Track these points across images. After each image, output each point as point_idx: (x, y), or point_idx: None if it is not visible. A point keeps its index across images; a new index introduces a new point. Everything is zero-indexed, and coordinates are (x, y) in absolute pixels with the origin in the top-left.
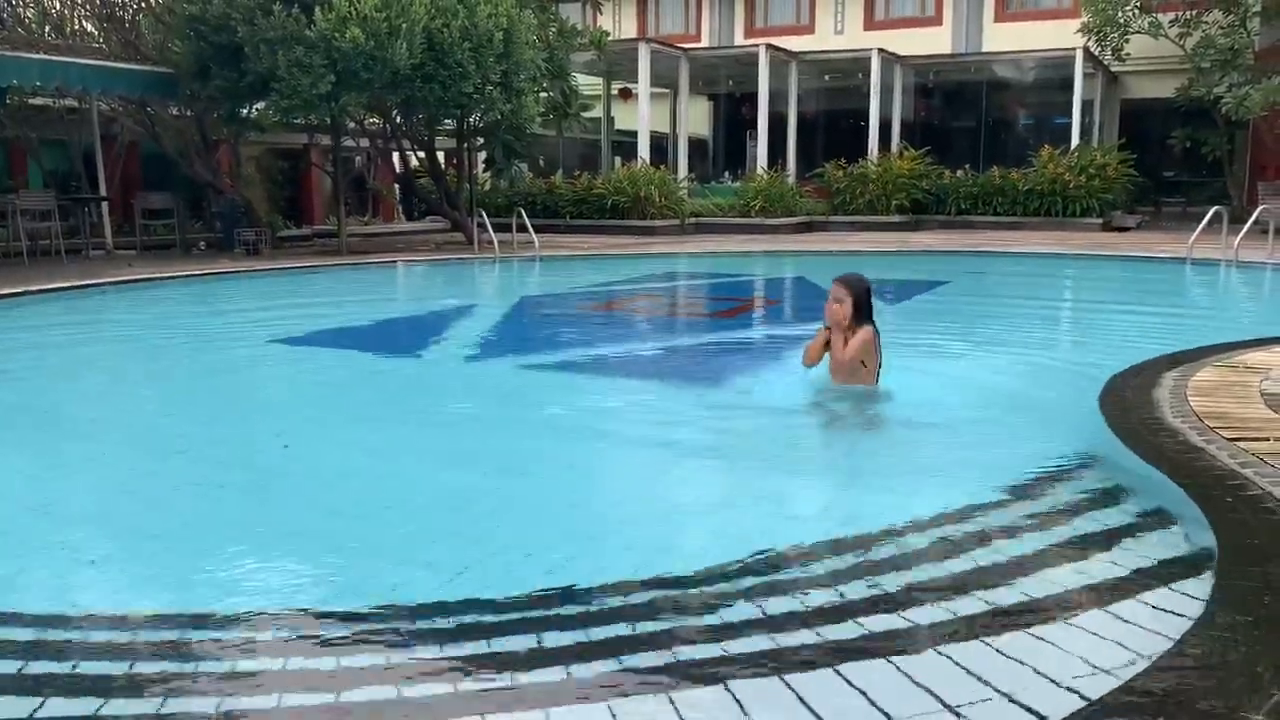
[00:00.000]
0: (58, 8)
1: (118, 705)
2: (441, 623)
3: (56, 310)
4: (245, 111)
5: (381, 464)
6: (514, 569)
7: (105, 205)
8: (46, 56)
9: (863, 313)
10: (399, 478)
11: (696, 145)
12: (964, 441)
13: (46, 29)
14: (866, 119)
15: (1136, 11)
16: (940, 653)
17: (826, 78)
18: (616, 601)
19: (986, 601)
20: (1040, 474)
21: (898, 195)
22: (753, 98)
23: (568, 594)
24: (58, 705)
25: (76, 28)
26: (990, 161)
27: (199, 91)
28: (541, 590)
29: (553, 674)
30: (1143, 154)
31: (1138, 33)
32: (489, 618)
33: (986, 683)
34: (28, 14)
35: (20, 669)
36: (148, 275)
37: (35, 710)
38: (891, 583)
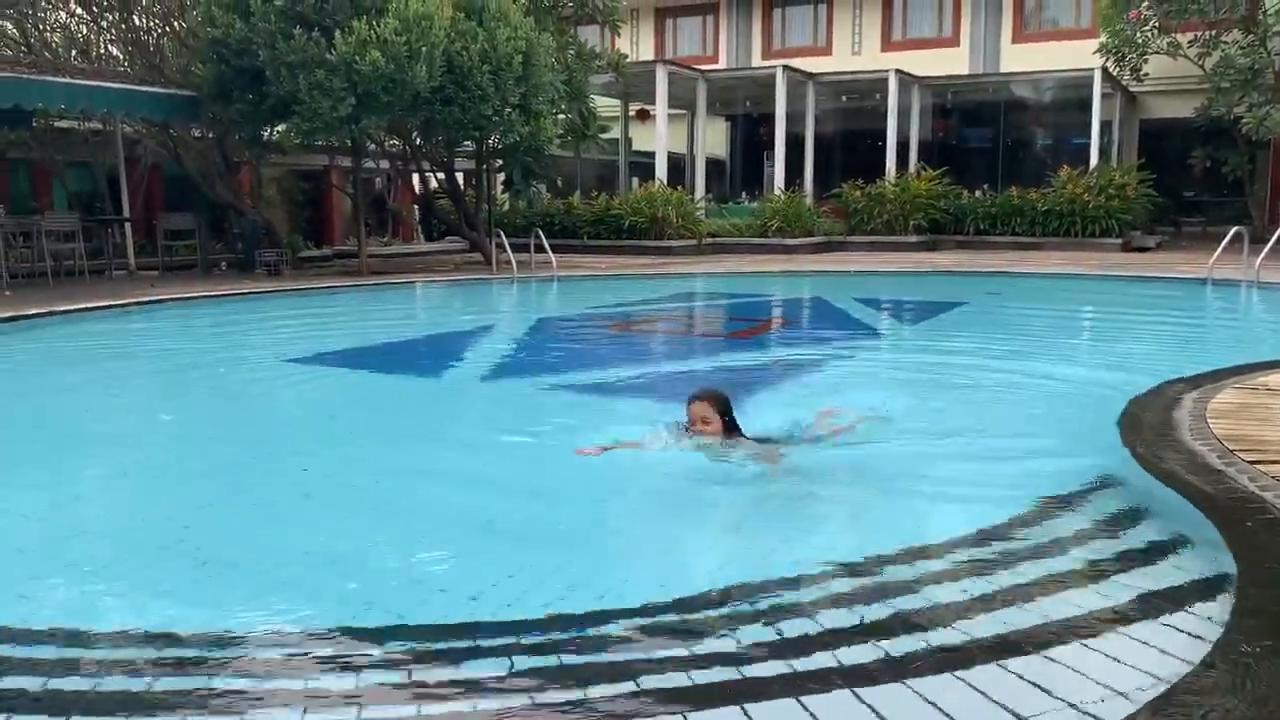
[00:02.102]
0: (84, 32)
1: None
2: (456, 643)
3: (80, 330)
4: (267, 134)
5: (399, 484)
6: (530, 591)
7: (128, 226)
8: (73, 80)
9: (731, 425)
10: (416, 498)
11: (714, 166)
12: (980, 463)
13: (73, 53)
14: (884, 139)
15: (1155, 32)
16: (956, 676)
17: (844, 98)
18: (633, 624)
19: (1003, 623)
20: (1058, 496)
21: (915, 215)
22: (770, 118)
23: (583, 617)
24: None
25: (102, 52)
26: (1008, 181)
27: (221, 114)
28: (557, 612)
29: (570, 694)
30: (1162, 174)
31: (1156, 53)
32: (504, 640)
33: (1002, 705)
34: (54, 38)
35: (44, 685)
36: (170, 296)
37: None
38: (907, 605)
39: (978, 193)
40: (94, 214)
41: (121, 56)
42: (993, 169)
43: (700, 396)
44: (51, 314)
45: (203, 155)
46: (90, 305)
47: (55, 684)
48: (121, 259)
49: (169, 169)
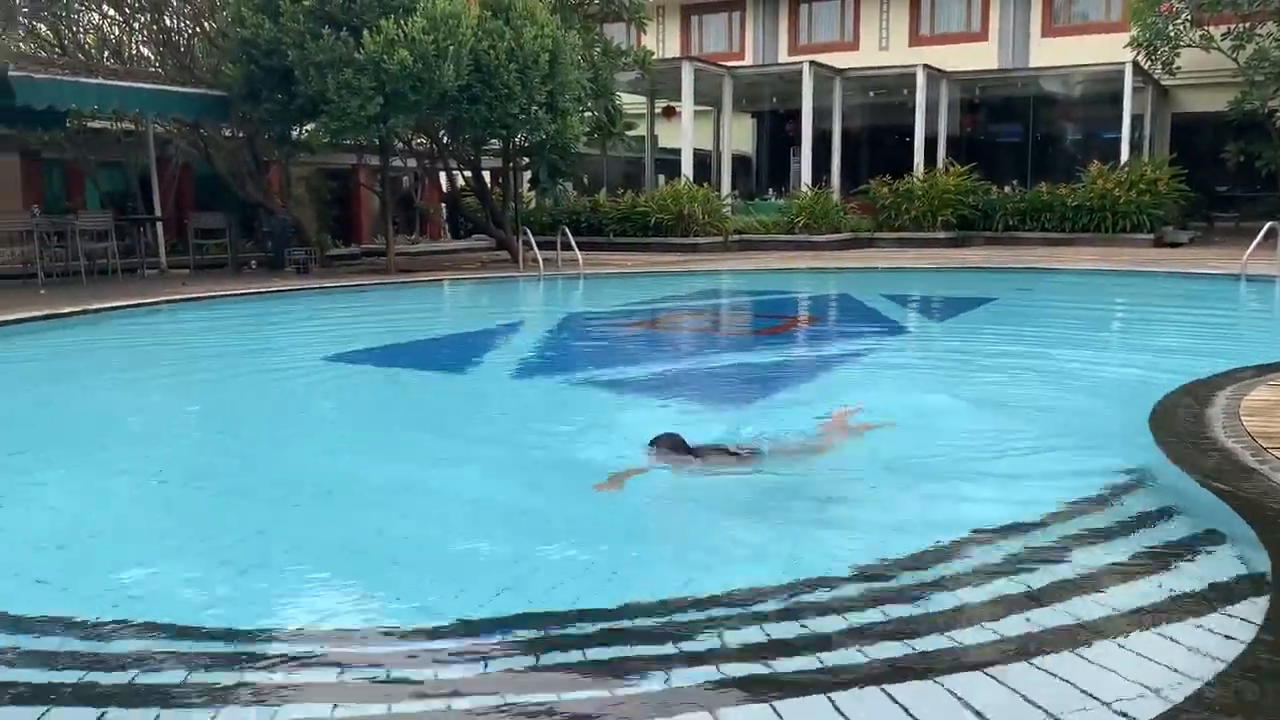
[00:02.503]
0: (116, 33)
1: (173, 715)
2: (488, 639)
3: (114, 328)
4: (296, 133)
5: (429, 480)
6: (561, 586)
7: (160, 225)
8: (105, 81)
9: (698, 450)
10: (446, 494)
11: (740, 162)
12: (1010, 460)
13: (105, 54)
14: (912, 135)
15: (1187, 25)
16: (988, 674)
17: (871, 94)
18: (663, 619)
19: (1033, 622)
20: (1089, 493)
21: (944, 211)
22: (797, 114)
23: (614, 612)
24: (117, 715)
25: (134, 52)
26: (1038, 177)
27: (251, 113)
28: (586, 607)
29: (601, 691)
30: (1195, 168)
31: (1189, 46)
32: (535, 633)
33: (1034, 703)
34: (87, 39)
35: (81, 678)
36: (202, 294)
37: (99, 718)
38: (938, 602)
39: (1007, 188)
40: (126, 213)
41: (153, 57)
42: (1022, 164)
43: (660, 444)
44: (85, 312)
45: (233, 154)
46: (123, 303)
47: (92, 677)
48: (153, 258)
49: (200, 168)
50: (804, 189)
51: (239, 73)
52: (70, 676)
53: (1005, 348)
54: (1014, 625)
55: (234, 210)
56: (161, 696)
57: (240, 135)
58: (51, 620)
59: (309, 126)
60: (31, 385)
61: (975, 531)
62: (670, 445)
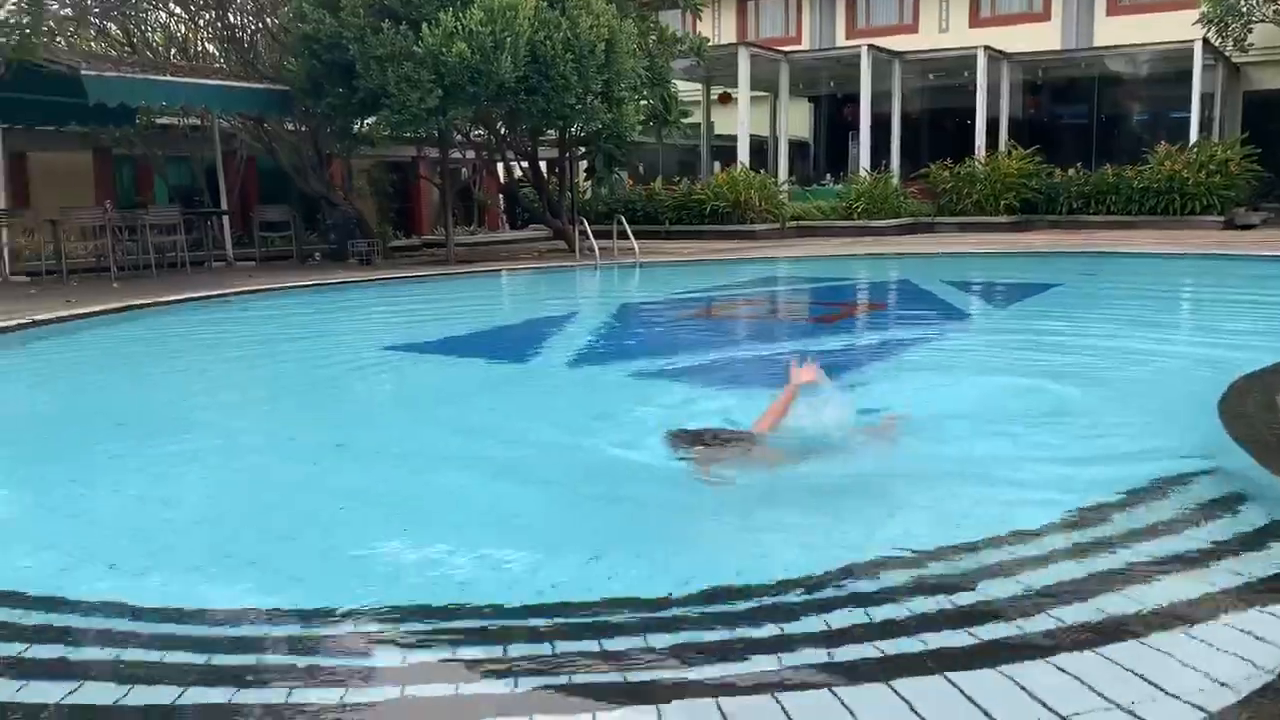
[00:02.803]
0: (183, 31)
1: (250, 695)
2: (543, 623)
3: (183, 319)
4: (357, 126)
5: (487, 467)
6: (620, 573)
7: (226, 219)
8: (173, 78)
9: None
10: (502, 482)
11: (797, 148)
12: (1076, 446)
13: (172, 51)
14: (973, 118)
15: (1260, 0)
16: (1052, 663)
17: (931, 76)
18: (721, 607)
19: (1099, 610)
20: (1157, 480)
21: (1006, 195)
22: (855, 99)
23: (673, 600)
24: (196, 694)
25: (200, 49)
26: (1103, 159)
27: (313, 108)
28: (647, 596)
29: (664, 674)
30: (1268, 148)
31: (1261, 21)
32: (597, 618)
33: (1100, 694)
34: (155, 38)
35: (161, 659)
36: (268, 285)
37: (177, 699)
38: (1000, 590)
39: (1071, 171)
40: (193, 207)
41: (218, 53)
42: (1086, 146)
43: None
44: (157, 304)
45: (296, 148)
46: (193, 295)
47: (172, 658)
48: (220, 250)
49: (263, 162)
50: (863, 174)
51: (301, 68)
52: (150, 656)
53: (1070, 333)
54: (1078, 613)
55: (297, 203)
56: (236, 676)
57: (303, 129)
58: (128, 605)
59: (370, 120)
60: (108, 375)
61: (1038, 519)
62: (689, 438)
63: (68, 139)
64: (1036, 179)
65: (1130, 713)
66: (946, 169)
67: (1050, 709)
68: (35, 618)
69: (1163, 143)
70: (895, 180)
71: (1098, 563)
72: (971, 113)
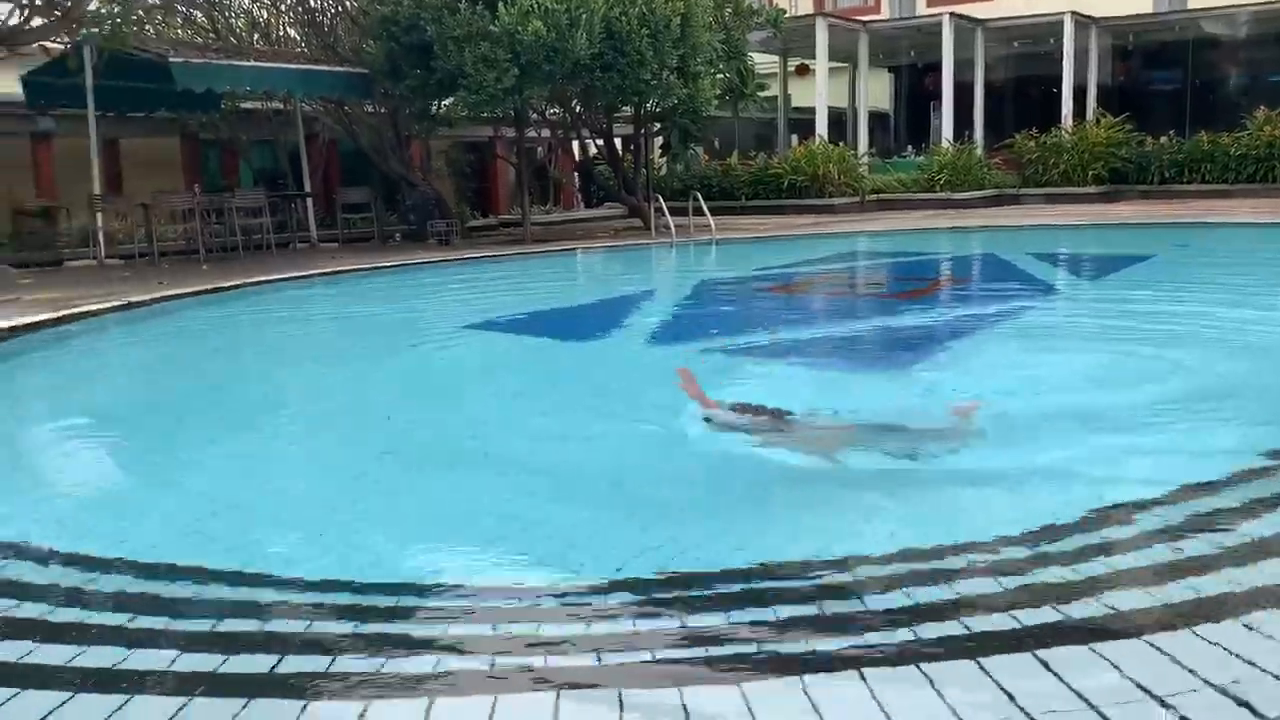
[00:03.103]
0: (264, 16)
1: (345, 663)
2: (630, 596)
3: (271, 300)
4: (435, 108)
5: (568, 444)
6: (700, 547)
7: (310, 201)
8: (257, 63)
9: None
10: (583, 458)
11: (877, 119)
12: (1170, 424)
13: (255, 37)
14: (1059, 85)
15: None
16: (1147, 641)
17: (1015, 44)
18: (805, 582)
19: (1195, 590)
20: (1253, 459)
21: (1094, 165)
22: (936, 68)
23: (757, 572)
24: (295, 662)
25: (281, 34)
26: (1197, 126)
27: (392, 90)
28: (731, 568)
29: (747, 647)
30: None
31: None
32: (681, 593)
33: (1195, 674)
34: (238, 24)
35: (261, 627)
36: (352, 266)
37: (275, 666)
38: (1092, 569)
39: (1163, 139)
40: (277, 190)
41: (299, 38)
42: (1179, 113)
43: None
44: (245, 285)
45: (375, 130)
46: (278, 277)
47: (274, 625)
48: (304, 232)
49: (344, 145)
50: (945, 145)
51: (380, 50)
52: (253, 624)
53: (1163, 307)
54: (1174, 593)
55: (378, 185)
56: (332, 646)
57: (382, 111)
58: (232, 574)
59: (447, 101)
60: (204, 355)
61: (1134, 497)
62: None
63: (157, 125)
64: (1126, 148)
65: (1228, 694)
66: (1032, 139)
67: (1144, 688)
68: (141, 585)
69: (1261, 108)
70: (979, 151)
71: (1193, 542)
72: (1058, 80)
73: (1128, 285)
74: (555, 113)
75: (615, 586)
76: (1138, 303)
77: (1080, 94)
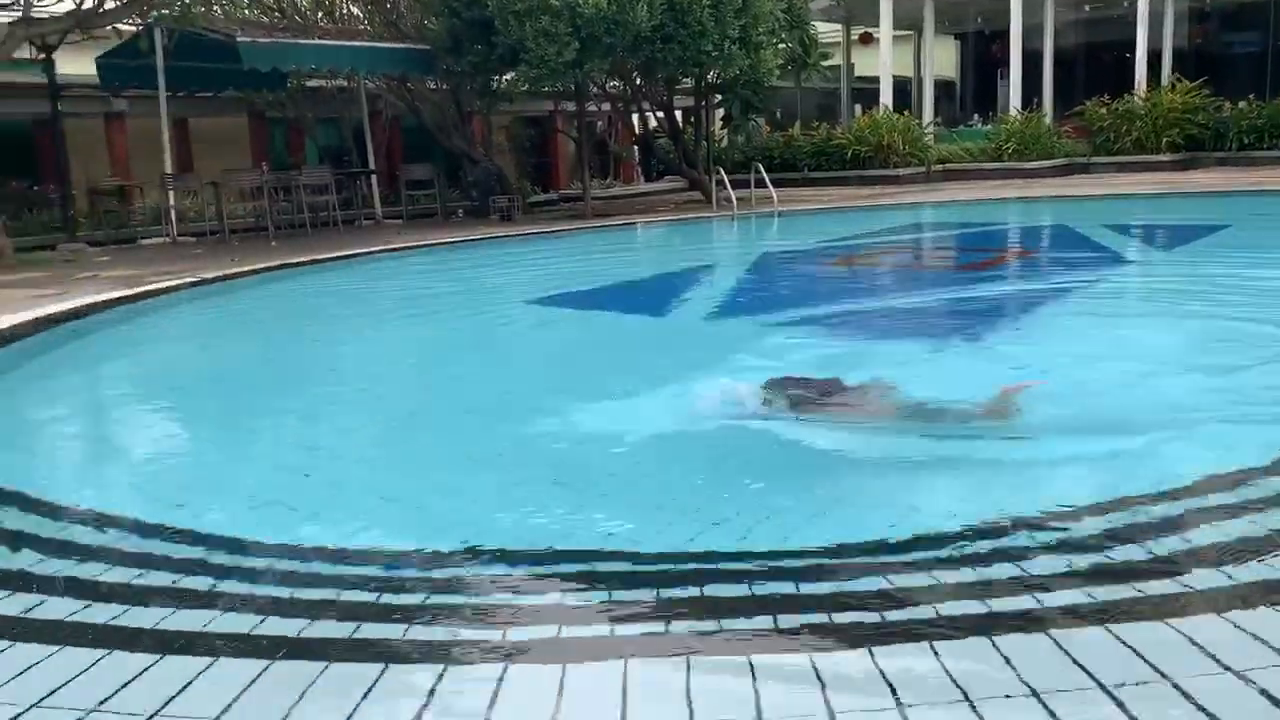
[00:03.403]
0: None
1: (419, 631)
2: (696, 566)
3: (339, 276)
4: (496, 83)
5: (626, 418)
6: (764, 522)
7: (374, 177)
8: (321, 41)
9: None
10: (641, 431)
11: (943, 88)
12: (1247, 399)
13: (319, 15)
14: (1132, 50)
15: None
16: (1223, 617)
17: (1086, 8)
18: (872, 559)
19: (1271, 567)
20: None
21: (1169, 132)
22: (1003, 34)
23: (824, 550)
24: (370, 629)
25: (344, 12)
26: (1278, 90)
27: (454, 66)
28: (797, 547)
29: (815, 618)
30: None
31: None
32: (746, 565)
33: (1274, 647)
34: (303, 2)
35: (336, 597)
36: (416, 243)
37: (352, 633)
38: (1165, 546)
39: (1242, 104)
40: (343, 167)
41: (361, 15)
42: (1260, 77)
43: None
44: (314, 262)
45: (438, 107)
46: (345, 253)
47: (346, 596)
48: (369, 209)
49: (407, 121)
50: (1013, 113)
51: (442, 26)
52: (326, 594)
53: (1240, 279)
54: (1249, 571)
55: (440, 161)
56: (408, 613)
57: (444, 87)
58: (305, 548)
59: (508, 76)
60: (277, 328)
61: (1203, 472)
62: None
63: (225, 104)
64: (1203, 114)
65: None
66: (1103, 106)
67: (1221, 662)
68: (222, 558)
69: None
70: (1048, 119)
71: (1266, 519)
72: (1131, 45)
73: (1203, 255)
74: (615, 86)
75: (686, 557)
76: (1212, 273)
77: (1154, 59)
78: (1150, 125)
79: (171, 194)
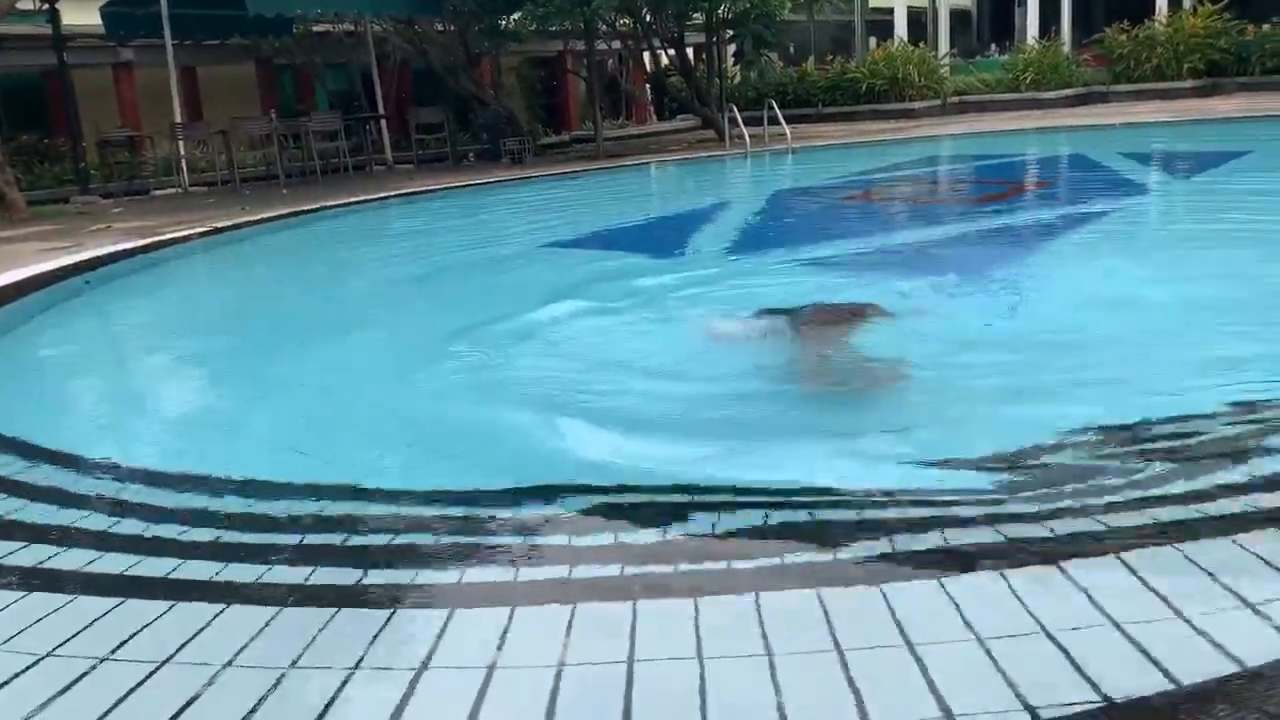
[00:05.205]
0: None
1: (429, 575)
2: (721, 497)
3: (352, 222)
4: (504, 23)
5: (635, 361)
6: (782, 462)
7: (384, 122)
8: None
9: None
10: (656, 374)
11: (958, 17)
12: (1271, 333)
13: None
14: None
15: None
16: (1237, 542)
17: None
18: (892, 489)
19: None
20: None
21: (1190, 57)
22: None
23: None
24: (380, 575)
25: None
26: None
27: (460, 6)
28: (810, 484)
29: (824, 555)
30: None
31: None
32: (768, 499)
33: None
34: None
35: (344, 541)
36: (428, 187)
37: (361, 579)
38: (1186, 473)
39: (1266, 26)
40: (352, 113)
41: None
42: None
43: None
44: (324, 209)
45: (446, 49)
46: (357, 199)
47: (356, 540)
48: (379, 154)
49: (416, 65)
50: (1030, 42)
51: None
52: (335, 538)
53: (1261, 205)
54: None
55: (450, 104)
56: (418, 557)
57: (452, 29)
58: (314, 487)
59: (516, 15)
60: (294, 276)
61: (1227, 399)
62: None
63: (232, 52)
64: (1225, 38)
65: None
66: (1123, 32)
67: (1238, 595)
68: (234, 503)
69: None
70: (1066, 48)
71: None
72: None
73: (1223, 181)
74: (625, 23)
75: (684, 488)
76: (1233, 198)
77: None
78: (1171, 51)
79: (181, 144)
